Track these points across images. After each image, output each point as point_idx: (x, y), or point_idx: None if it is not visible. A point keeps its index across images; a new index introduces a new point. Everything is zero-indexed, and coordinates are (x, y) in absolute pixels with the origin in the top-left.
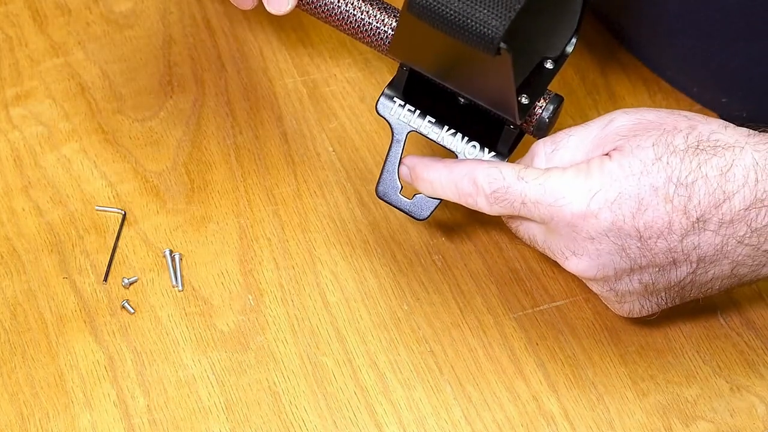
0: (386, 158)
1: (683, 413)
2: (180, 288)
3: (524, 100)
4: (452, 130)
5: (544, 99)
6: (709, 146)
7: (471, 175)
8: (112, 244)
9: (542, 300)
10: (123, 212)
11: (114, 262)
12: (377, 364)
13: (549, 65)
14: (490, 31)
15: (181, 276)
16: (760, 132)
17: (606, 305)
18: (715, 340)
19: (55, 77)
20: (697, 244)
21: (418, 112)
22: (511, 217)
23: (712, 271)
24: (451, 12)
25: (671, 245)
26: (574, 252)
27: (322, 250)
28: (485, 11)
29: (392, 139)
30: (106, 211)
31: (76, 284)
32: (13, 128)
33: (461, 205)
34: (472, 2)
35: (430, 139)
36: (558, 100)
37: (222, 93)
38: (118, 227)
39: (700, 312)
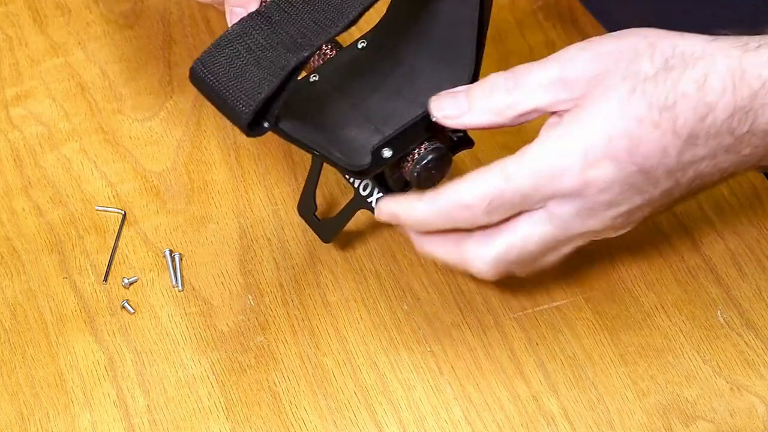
0: (306, 181)
1: (683, 413)
2: (180, 288)
3: (386, 153)
4: None
5: (419, 150)
6: (677, 62)
7: (459, 201)
8: (112, 244)
9: (542, 300)
10: (123, 212)
11: (114, 262)
12: (377, 364)
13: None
14: (237, 115)
15: (181, 276)
16: (720, 36)
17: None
18: (715, 340)
19: (55, 77)
20: (691, 160)
21: None
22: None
23: (708, 176)
24: (212, 87)
25: (671, 168)
26: (590, 211)
27: (322, 250)
28: (236, 95)
29: (311, 163)
30: (106, 211)
31: (76, 284)
32: (13, 128)
33: None
34: (229, 81)
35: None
36: (436, 152)
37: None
38: (118, 227)
39: (700, 312)
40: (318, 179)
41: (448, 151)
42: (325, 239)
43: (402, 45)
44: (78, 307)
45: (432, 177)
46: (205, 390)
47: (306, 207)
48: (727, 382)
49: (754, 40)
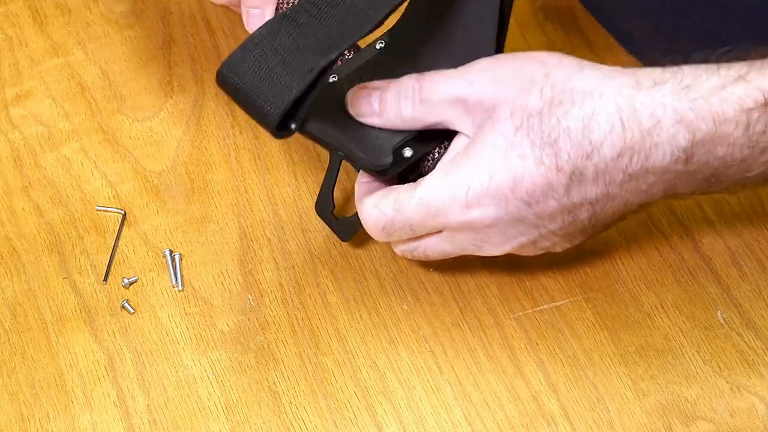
0: (324, 179)
1: (683, 413)
2: (180, 288)
3: (407, 153)
4: None
5: (438, 150)
6: (565, 97)
7: (362, 217)
8: (112, 244)
9: (542, 300)
10: (123, 212)
11: (114, 262)
12: (377, 364)
13: None
14: (265, 116)
15: (181, 276)
16: (620, 72)
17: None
18: (715, 340)
19: (55, 77)
20: (583, 194)
21: None
22: (413, 246)
23: (610, 208)
24: (240, 88)
25: (561, 202)
26: (483, 241)
27: (322, 250)
28: (264, 97)
29: (330, 160)
30: (106, 211)
31: (76, 284)
32: (13, 128)
33: None
34: (258, 82)
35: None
36: None
37: (222, 93)
38: (118, 227)
39: (700, 312)
40: (336, 178)
41: None
42: (344, 238)
43: (420, 46)
44: (78, 307)
45: None
46: (205, 390)
47: (324, 206)
48: (727, 382)
49: (649, 78)
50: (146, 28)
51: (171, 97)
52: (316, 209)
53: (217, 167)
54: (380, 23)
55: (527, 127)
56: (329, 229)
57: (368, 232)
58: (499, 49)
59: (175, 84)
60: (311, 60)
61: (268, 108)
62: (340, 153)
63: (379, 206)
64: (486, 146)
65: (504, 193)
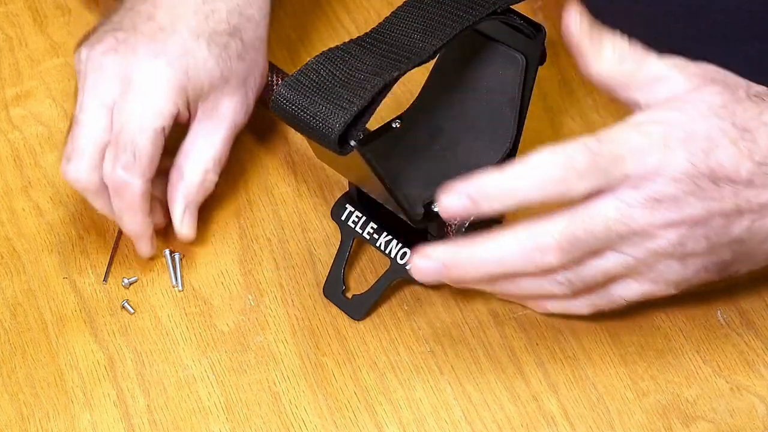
0: (334, 260)
1: (683, 413)
2: (180, 288)
3: (435, 208)
4: (389, 236)
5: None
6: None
7: (546, 158)
8: (112, 244)
9: None
10: None
11: (114, 262)
12: (377, 364)
13: None
14: (327, 129)
15: (181, 276)
16: None
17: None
18: (715, 340)
19: (55, 77)
20: (759, 192)
21: (363, 218)
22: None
23: (759, 236)
24: (297, 110)
25: (738, 189)
26: (657, 203)
27: (322, 250)
28: (325, 112)
29: (341, 241)
30: None
31: (76, 284)
32: (13, 128)
33: None
34: (317, 100)
35: (371, 245)
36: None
37: None
38: (118, 227)
39: (700, 312)
40: (348, 257)
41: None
42: (358, 317)
43: (440, 117)
44: (78, 307)
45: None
46: (205, 390)
47: (333, 287)
48: (727, 382)
49: None
50: None
51: None
52: (324, 292)
53: None
54: (432, 56)
55: (732, 110)
56: (330, 229)
57: (550, 174)
58: (521, 121)
59: None
60: (371, 80)
61: (331, 120)
62: (387, 184)
63: (569, 144)
64: (686, 109)
65: (698, 153)
